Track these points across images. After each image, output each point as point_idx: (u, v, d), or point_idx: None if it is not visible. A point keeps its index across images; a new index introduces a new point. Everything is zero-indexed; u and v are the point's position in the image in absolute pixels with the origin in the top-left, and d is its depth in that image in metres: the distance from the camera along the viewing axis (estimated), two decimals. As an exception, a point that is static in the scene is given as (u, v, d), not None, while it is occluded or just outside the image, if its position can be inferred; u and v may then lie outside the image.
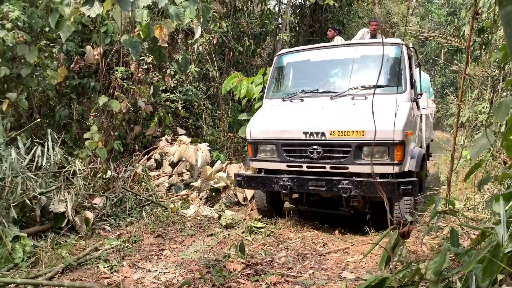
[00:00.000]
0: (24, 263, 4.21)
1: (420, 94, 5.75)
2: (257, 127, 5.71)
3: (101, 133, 7.49)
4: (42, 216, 5.11)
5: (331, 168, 5.17)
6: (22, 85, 7.98)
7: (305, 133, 5.26)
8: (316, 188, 5.16)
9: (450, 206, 3.03)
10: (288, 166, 5.44)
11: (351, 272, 4.10)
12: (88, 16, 6.73)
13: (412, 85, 5.63)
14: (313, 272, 4.16)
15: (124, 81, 8.58)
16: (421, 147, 6.38)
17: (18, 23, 6.78)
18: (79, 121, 9.05)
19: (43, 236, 4.89)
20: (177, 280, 4.04)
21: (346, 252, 4.78)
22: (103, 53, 8.45)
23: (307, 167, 5.31)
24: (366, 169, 5.00)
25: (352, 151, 4.99)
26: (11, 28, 6.63)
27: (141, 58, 9.17)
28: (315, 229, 5.81)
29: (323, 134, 5.16)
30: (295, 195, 6.14)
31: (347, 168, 5.08)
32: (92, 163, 7.12)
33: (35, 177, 5.03)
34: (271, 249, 4.84)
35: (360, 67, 5.92)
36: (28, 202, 4.75)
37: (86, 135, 7.48)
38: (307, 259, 4.54)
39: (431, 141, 9.61)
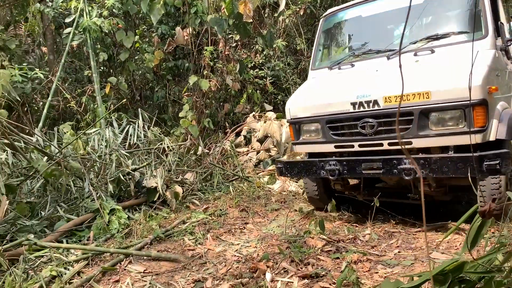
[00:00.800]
0: (119, 234, 4.55)
1: (511, 40, 4.52)
2: (297, 103, 4.84)
3: (194, 111, 7.78)
4: (137, 191, 5.48)
5: (389, 144, 4.15)
6: (122, 69, 8.59)
7: (353, 104, 4.28)
8: (371, 171, 4.17)
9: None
10: (336, 147, 4.50)
11: (442, 253, 3.75)
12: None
13: (498, 30, 4.48)
14: (399, 252, 3.89)
15: (215, 60, 8.78)
16: None
17: (114, 10, 7.24)
18: (175, 101, 9.52)
19: (138, 209, 5.25)
20: (258, 254, 4.06)
21: (439, 231, 4.39)
22: (195, 33, 8.72)
23: (360, 146, 4.33)
24: (435, 142, 3.96)
25: (415, 120, 3.96)
26: (108, 15, 7.11)
27: (230, 36, 9.28)
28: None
29: (375, 102, 4.15)
30: (353, 181, 5.26)
31: (410, 143, 4.04)
32: (186, 141, 7.45)
33: (128, 155, 5.38)
34: (356, 226, 4.63)
35: (424, 14, 4.76)
36: (122, 178, 5.10)
37: (180, 114, 7.84)
38: (394, 238, 4.26)
39: None
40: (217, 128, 8.68)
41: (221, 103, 9.11)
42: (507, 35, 4.69)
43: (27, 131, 6.29)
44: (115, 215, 4.72)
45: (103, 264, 3.85)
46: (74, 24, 6.64)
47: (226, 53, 8.55)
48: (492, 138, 3.91)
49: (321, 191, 5.16)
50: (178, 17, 9.40)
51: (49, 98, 6.84)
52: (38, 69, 7.45)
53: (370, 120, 4.19)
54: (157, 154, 5.91)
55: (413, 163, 3.86)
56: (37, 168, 4.64)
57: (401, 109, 3.98)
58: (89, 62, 7.82)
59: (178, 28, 8.23)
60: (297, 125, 4.82)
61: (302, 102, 4.80)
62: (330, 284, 3.26)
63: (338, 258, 3.80)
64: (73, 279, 3.57)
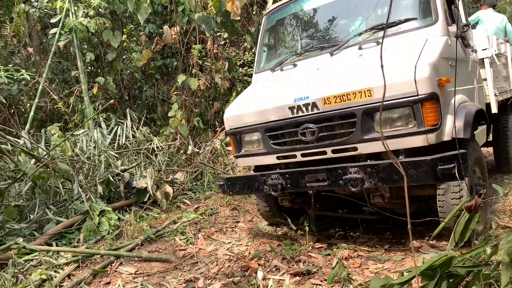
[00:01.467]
0: (109, 235, 4.53)
1: (468, 26, 4.13)
2: (235, 112, 4.30)
3: (183, 110, 7.75)
4: (127, 192, 5.45)
5: (333, 152, 3.66)
6: (110, 69, 8.52)
7: (292, 109, 3.79)
8: (316, 184, 3.67)
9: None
10: (278, 158, 4.01)
11: (432, 247, 3.79)
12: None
13: (452, 15, 4.06)
14: (389, 247, 3.92)
15: (203, 58, 8.75)
16: (486, 105, 4.86)
17: (100, 9, 7.18)
18: (164, 100, 9.47)
19: (128, 210, 5.22)
20: (249, 252, 4.07)
21: (430, 227, 4.43)
22: (183, 32, 8.67)
23: (302, 155, 3.84)
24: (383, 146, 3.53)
25: (358, 122, 3.45)
26: (94, 15, 7.04)
27: (218, 34, 9.25)
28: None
29: (314, 105, 3.66)
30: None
31: (355, 149, 3.54)
32: (176, 140, 7.42)
33: (117, 156, 5.34)
34: (348, 223, 4.66)
35: (370, 2, 4.25)
36: (111, 179, 5.07)
37: (170, 114, 7.80)
38: (384, 233, 4.29)
39: None
40: (206, 127, 8.66)
41: (211, 102, 9.08)
42: (463, 21, 4.36)
43: (14, 133, 6.22)
44: (105, 216, 4.69)
45: (93, 267, 3.82)
46: (60, 24, 6.57)
47: (214, 51, 8.52)
48: (447, 137, 3.39)
49: (273, 207, 4.64)
50: (165, 15, 9.35)
51: (36, 100, 6.77)
52: (24, 70, 7.36)
53: (311, 125, 3.71)
54: (146, 154, 5.88)
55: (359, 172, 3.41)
56: (25, 171, 4.59)
57: (342, 110, 3.54)
58: (76, 62, 7.75)
59: (165, 27, 8.18)
60: (237, 136, 4.31)
61: (241, 110, 4.27)
62: (321, 281, 3.28)
63: (329, 254, 3.83)
64: (63, 282, 3.55)
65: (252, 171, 4.88)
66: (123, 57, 8.95)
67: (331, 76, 3.84)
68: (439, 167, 3.09)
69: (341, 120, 3.57)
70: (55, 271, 3.69)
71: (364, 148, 3.50)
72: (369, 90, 3.39)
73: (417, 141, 3.30)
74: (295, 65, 4.41)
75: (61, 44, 6.89)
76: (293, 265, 3.64)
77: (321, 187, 3.66)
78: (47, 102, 7.92)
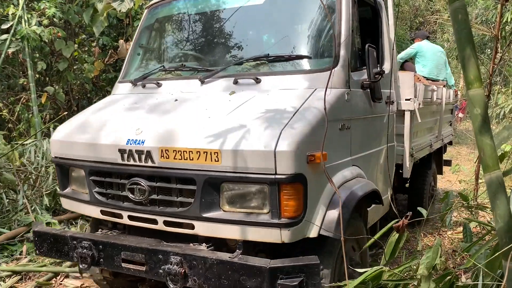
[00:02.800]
0: (54, 247, 4.46)
1: (380, 74, 3.19)
2: (63, 135, 3.27)
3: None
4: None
5: (166, 224, 2.77)
6: (60, 78, 8.38)
7: (122, 152, 2.83)
8: (132, 267, 2.72)
9: (463, 200, 2.98)
10: (103, 213, 3.06)
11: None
12: (120, 10, 6.98)
13: (365, 58, 3.12)
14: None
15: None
16: (398, 165, 4.29)
17: (55, 19, 7.10)
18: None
19: (74, 223, 5.16)
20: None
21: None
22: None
23: (130, 218, 2.91)
24: (227, 231, 2.59)
25: (198, 192, 2.58)
26: (48, 24, 6.96)
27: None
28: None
29: (149, 155, 2.72)
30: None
31: (192, 227, 2.67)
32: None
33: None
34: None
35: (265, 19, 3.46)
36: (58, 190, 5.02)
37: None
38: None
39: (450, 143, 7.10)
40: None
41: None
42: (387, 63, 3.64)
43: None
44: (51, 229, 4.63)
45: (37, 279, 3.78)
46: (12, 31, 6.44)
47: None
48: (313, 234, 2.59)
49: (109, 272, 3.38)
50: (120, 28, 9.35)
51: (-20, 106, 6.54)
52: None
53: (141, 181, 2.76)
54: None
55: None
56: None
57: (180, 171, 2.64)
58: (24, 69, 7.56)
59: (121, 41, 8.19)
60: (62, 168, 3.28)
61: (72, 135, 3.21)
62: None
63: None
64: (6, 295, 3.48)
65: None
66: (74, 67, 8.83)
67: (182, 118, 2.89)
68: (279, 282, 2.25)
69: (179, 184, 2.68)
70: (-3, 284, 3.61)
71: (202, 229, 2.64)
72: (216, 153, 2.52)
73: (268, 236, 2.46)
74: (159, 84, 3.43)
75: (10, 51, 6.73)
76: None
77: (137, 272, 2.72)
78: (-10, 108, 7.64)
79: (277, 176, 2.39)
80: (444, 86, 6.12)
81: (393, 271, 2.22)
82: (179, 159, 2.63)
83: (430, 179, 5.75)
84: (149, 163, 2.73)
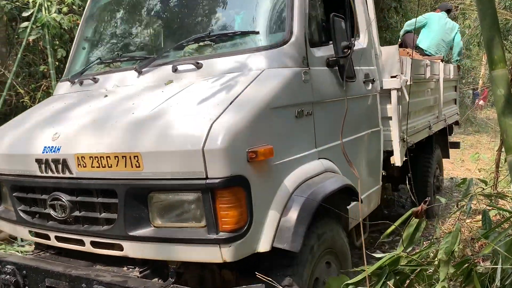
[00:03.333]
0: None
1: (349, 48, 2.66)
2: None
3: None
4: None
5: (93, 245, 2.40)
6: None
7: (39, 162, 2.44)
8: None
9: (482, 185, 2.94)
10: (31, 233, 2.73)
11: (384, 252, 4.10)
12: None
13: (331, 30, 2.64)
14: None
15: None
16: (387, 152, 3.81)
17: (74, 6, 7.17)
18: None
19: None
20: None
21: (382, 232, 4.75)
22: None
23: (57, 238, 2.57)
24: (159, 252, 2.18)
25: (121, 206, 2.18)
26: (67, 11, 7.03)
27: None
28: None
29: (65, 164, 2.33)
30: None
31: (121, 248, 2.29)
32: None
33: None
34: None
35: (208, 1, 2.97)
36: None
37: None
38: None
39: (456, 123, 6.53)
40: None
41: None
42: (359, 39, 3.20)
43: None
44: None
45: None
46: (33, 18, 6.53)
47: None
48: (264, 247, 2.16)
49: None
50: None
51: (4, 93, 6.68)
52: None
53: (62, 196, 2.36)
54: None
55: None
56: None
57: (99, 181, 2.26)
58: (44, 57, 7.65)
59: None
60: None
61: (3, 143, 2.79)
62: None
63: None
64: None
65: None
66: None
67: (104, 117, 2.45)
68: None
69: (101, 198, 2.28)
70: None
71: (132, 250, 2.23)
72: (136, 157, 2.08)
73: (206, 255, 2.05)
74: (95, 80, 3.04)
75: (31, 38, 6.84)
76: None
77: None
78: (12, 95, 7.80)
79: (208, 181, 1.95)
80: (442, 61, 5.60)
81: (411, 257, 2.22)
82: (96, 167, 2.22)
83: (434, 166, 5.27)
84: (67, 174, 2.35)
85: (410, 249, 2.42)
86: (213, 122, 2.01)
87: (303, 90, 2.55)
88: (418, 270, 2.23)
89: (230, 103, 2.14)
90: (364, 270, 2.34)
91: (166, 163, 2.03)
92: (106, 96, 2.78)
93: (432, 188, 5.09)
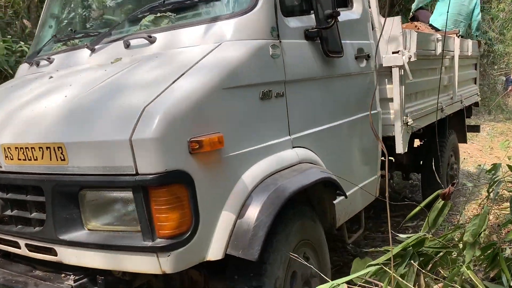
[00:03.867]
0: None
1: (333, 16, 2.27)
2: None
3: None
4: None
5: (28, 248, 2.09)
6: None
7: None
8: None
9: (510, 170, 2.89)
10: None
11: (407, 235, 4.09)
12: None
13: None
14: (368, 233, 4.20)
15: None
16: (387, 139, 3.38)
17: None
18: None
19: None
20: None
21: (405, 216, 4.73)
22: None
23: None
24: (98, 260, 1.84)
25: (48, 205, 1.89)
26: None
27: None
28: None
29: None
30: None
31: (55, 254, 1.97)
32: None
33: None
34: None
35: None
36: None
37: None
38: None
39: (476, 104, 6.01)
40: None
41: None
42: (353, 8, 2.86)
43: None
44: None
45: None
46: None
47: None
48: (215, 255, 1.85)
49: None
50: None
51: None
52: (22, 43, 7.40)
53: None
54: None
55: None
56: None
57: (25, 177, 1.98)
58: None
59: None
60: None
61: None
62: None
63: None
64: None
65: None
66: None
67: (38, 103, 2.15)
68: None
69: (30, 195, 1.99)
70: None
71: (66, 256, 1.92)
72: (60, 148, 1.82)
73: (143, 265, 1.75)
74: (50, 60, 2.74)
75: (61, 19, 6.96)
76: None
77: None
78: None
79: (138, 178, 1.64)
80: (457, 35, 4.90)
81: (437, 239, 2.21)
82: (23, 159, 1.95)
83: (447, 153, 4.73)
84: None
85: (433, 231, 2.42)
86: (146, 106, 1.68)
87: (270, 66, 2.15)
88: (443, 253, 2.23)
89: (172, 82, 1.79)
90: (388, 251, 2.36)
91: (93, 156, 1.74)
92: (51, 77, 2.49)
93: (446, 178, 4.57)
